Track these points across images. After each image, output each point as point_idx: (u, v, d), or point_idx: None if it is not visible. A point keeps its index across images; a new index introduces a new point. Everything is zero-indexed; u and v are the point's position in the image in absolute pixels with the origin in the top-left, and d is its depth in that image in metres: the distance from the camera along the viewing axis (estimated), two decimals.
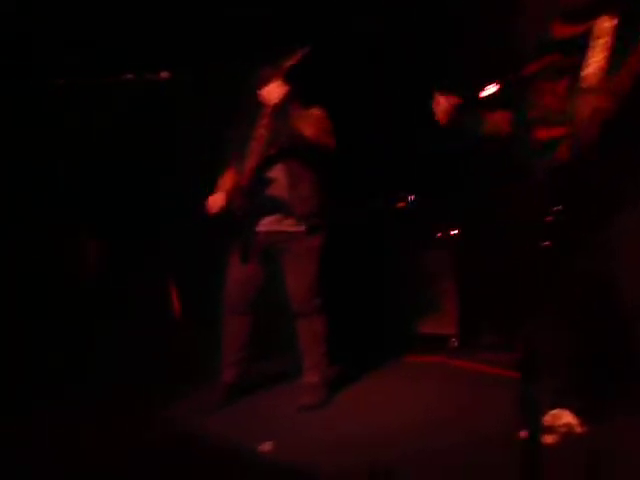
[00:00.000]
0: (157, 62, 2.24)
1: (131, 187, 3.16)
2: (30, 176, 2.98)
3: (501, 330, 3.30)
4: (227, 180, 2.62)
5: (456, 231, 3.50)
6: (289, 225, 2.55)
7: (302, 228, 2.54)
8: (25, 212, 2.96)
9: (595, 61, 1.66)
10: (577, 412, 1.86)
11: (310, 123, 2.44)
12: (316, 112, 2.52)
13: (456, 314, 3.42)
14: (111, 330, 3.05)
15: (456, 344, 3.42)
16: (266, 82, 2.44)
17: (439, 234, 3.54)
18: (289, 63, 2.36)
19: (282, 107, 2.41)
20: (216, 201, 2.55)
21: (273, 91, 2.39)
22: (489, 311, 3.42)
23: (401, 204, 3.66)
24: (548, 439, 1.79)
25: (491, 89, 3.32)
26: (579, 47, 1.70)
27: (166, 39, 3.08)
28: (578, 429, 1.85)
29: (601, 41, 1.66)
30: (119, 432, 2.29)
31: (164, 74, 2.20)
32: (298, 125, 2.41)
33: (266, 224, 2.55)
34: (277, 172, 2.52)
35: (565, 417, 1.86)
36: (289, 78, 2.40)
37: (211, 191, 2.62)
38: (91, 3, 3.05)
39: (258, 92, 2.48)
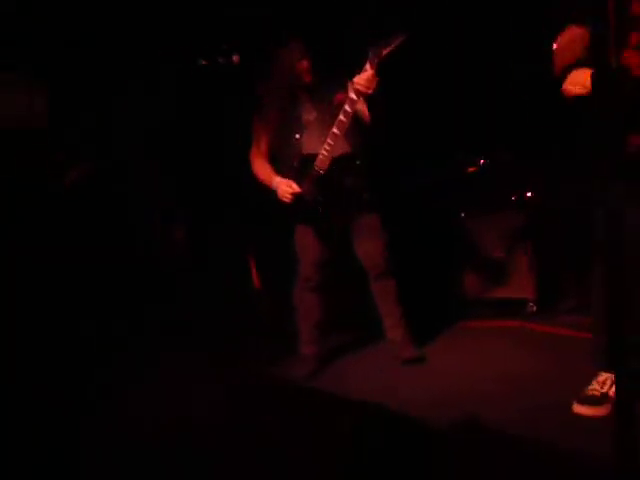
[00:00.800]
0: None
1: (211, 168, 3.32)
2: (119, 163, 3.20)
3: (580, 293, 3.21)
4: (263, 161, 2.67)
5: (531, 193, 3.40)
6: (358, 204, 2.63)
7: (370, 205, 2.64)
8: (118, 198, 3.21)
9: None
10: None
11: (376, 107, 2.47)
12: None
13: (534, 278, 3.36)
14: (196, 303, 3.27)
15: (534, 308, 3.37)
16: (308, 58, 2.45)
17: (514, 197, 3.46)
18: (383, 54, 2.28)
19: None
20: (293, 187, 2.55)
21: (369, 81, 2.30)
22: (568, 274, 3.33)
23: (472, 168, 3.59)
24: (596, 410, 1.84)
25: None
26: None
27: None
28: None
29: None
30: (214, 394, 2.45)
31: (236, 57, 2.29)
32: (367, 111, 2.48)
33: (338, 205, 2.61)
34: (354, 163, 2.59)
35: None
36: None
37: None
38: None
39: (302, 65, 2.48)
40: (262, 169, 2.68)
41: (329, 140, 2.45)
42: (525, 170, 3.41)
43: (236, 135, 2.89)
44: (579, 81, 1.65)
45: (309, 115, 2.56)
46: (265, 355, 2.94)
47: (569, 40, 1.78)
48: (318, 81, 2.51)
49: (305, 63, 2.50)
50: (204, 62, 2.30)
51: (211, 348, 3.01)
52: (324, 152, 2.48)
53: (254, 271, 3.27)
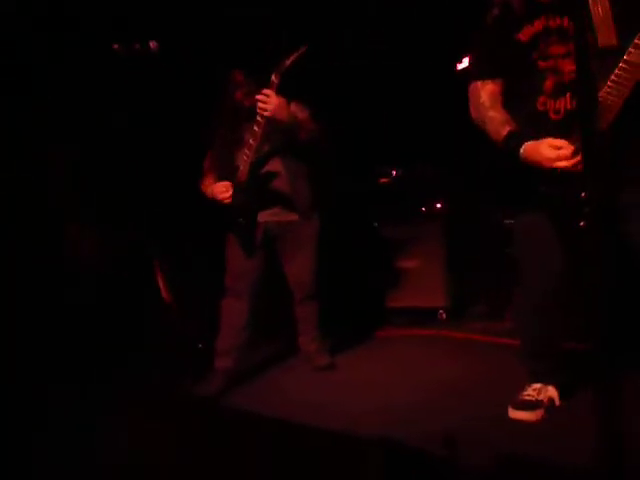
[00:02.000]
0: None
1: (122, 173, 3.05)
2: (26, 166, 2.82)
3: (490, 299, 3.38)
4: (210, 181, 2.71)
5: (441, 204, 3.53)
6: (289, 216, 2.67)
7: (300, 218, 2.67)
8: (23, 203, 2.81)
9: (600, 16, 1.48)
10: (558, 387, 1.97)
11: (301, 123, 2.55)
12: (300, 110, 2.61)
13: (446, 286, 3.47)
14: (107, 317, 2.96)
15: (444, 316, 3.48)
16: (249, 87, 2.54)
17: (424, 208, 3.56)
18: (286, 65, 2.39)
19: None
20: (228, 189, 2.59)
21: (268, 102, 2.39)
22: (477, 281, 3.49)
23: (384, 180, 3.65)
24: (533, 414, 1.90)
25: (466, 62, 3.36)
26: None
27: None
28: (558, 402, 1.96)
29: None
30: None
31: (153, 44, 2.07)
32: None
33: (267, 216, 2.65)
34: (277, 168, 2.64)
35: (548, 391, 1.97)
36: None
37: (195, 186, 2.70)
38: None
39: (237, 95, 2.58)
40: (205, 185, 2.73)
41: (246, 150, 2.54)
42: (439, 182, 3.54)
43: (151, 136, 2.71)
44: (548, 157, 1.61)
45: (247, 134, 2.59)
46: (175, 371, 2.74)
47: (491, 99, 1.79)
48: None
49: (243, 91, 2.59)
50: (116, 46, 2.05)
51: (120, 363, 2.77)
52: (242, 162, 2.57)
53: (162, 283, 3.00)
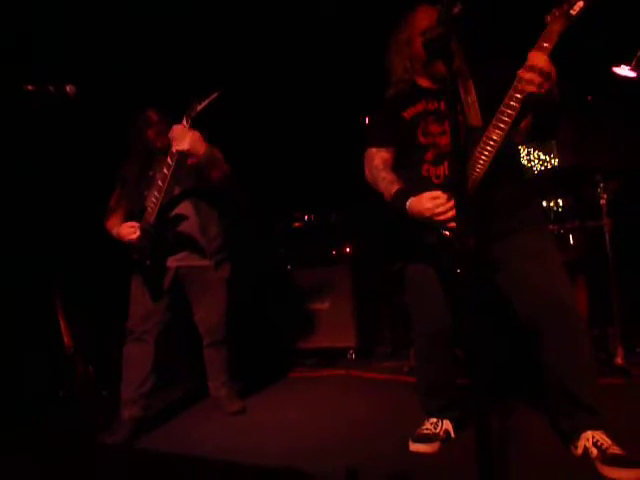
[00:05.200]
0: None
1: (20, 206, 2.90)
2: None
3: (396, 339, 3.55)
4: (116, 221, 2.66)
5: (350, 248, 3.71)
6: (198, 260, 2.64)
7: (210, 263, 2.66)
8: None
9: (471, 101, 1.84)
10: (452, 421, 2.13)
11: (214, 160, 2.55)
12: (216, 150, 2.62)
13: (355, 328, 3.60)
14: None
15: (353, 356, 3.59)
16: (161, 127, 2.56)
17: (335, 252, 3.72)
18: (197, 109, 2.39)
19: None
20: (135, 229, 2.54)
21: (180, 138, 2.39)
22: (384, 322, 3.66)
23: (298, 224, 3.79)
24: (430, 447, 2.03)
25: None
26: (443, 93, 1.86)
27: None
28: (453, 434, 2.12)
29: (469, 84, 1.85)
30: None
31: (70, 88, 2.07)
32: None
33: (175, 260, 2.61)
34: (187, 211, 2.62)
35: (444, 425, 2.13)
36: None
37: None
38: None
39: (149, 134, 2.59)
40: (111, 224, 2.66)
41: (155, 192, 2.52)
42: (347, 228, 3.72)
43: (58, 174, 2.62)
44: (428, 207, 1.81)
45: (157, 175, 2.56)
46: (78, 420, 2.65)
47: (384, 163, 2.03)
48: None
49: (155, 130, 2.59)
50: (30, 87, 2.02)
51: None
52: (151, 204, 2.54)
53: (65, 328, 2.86)
